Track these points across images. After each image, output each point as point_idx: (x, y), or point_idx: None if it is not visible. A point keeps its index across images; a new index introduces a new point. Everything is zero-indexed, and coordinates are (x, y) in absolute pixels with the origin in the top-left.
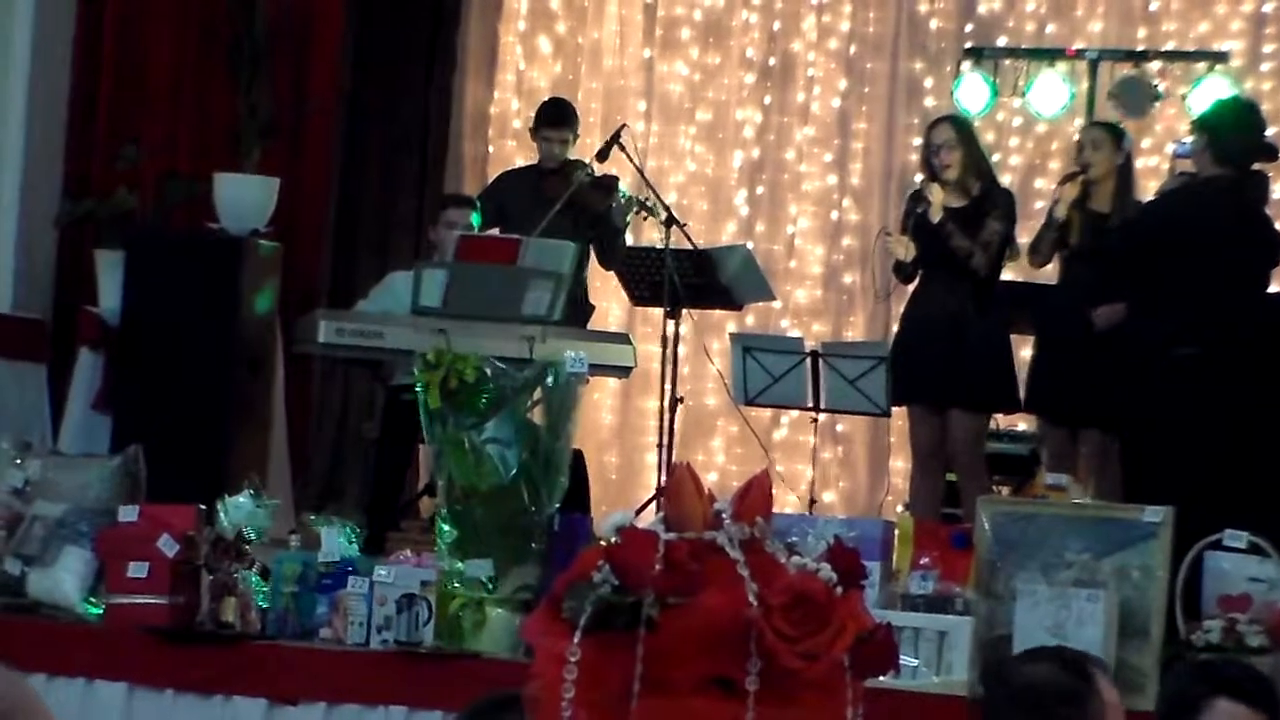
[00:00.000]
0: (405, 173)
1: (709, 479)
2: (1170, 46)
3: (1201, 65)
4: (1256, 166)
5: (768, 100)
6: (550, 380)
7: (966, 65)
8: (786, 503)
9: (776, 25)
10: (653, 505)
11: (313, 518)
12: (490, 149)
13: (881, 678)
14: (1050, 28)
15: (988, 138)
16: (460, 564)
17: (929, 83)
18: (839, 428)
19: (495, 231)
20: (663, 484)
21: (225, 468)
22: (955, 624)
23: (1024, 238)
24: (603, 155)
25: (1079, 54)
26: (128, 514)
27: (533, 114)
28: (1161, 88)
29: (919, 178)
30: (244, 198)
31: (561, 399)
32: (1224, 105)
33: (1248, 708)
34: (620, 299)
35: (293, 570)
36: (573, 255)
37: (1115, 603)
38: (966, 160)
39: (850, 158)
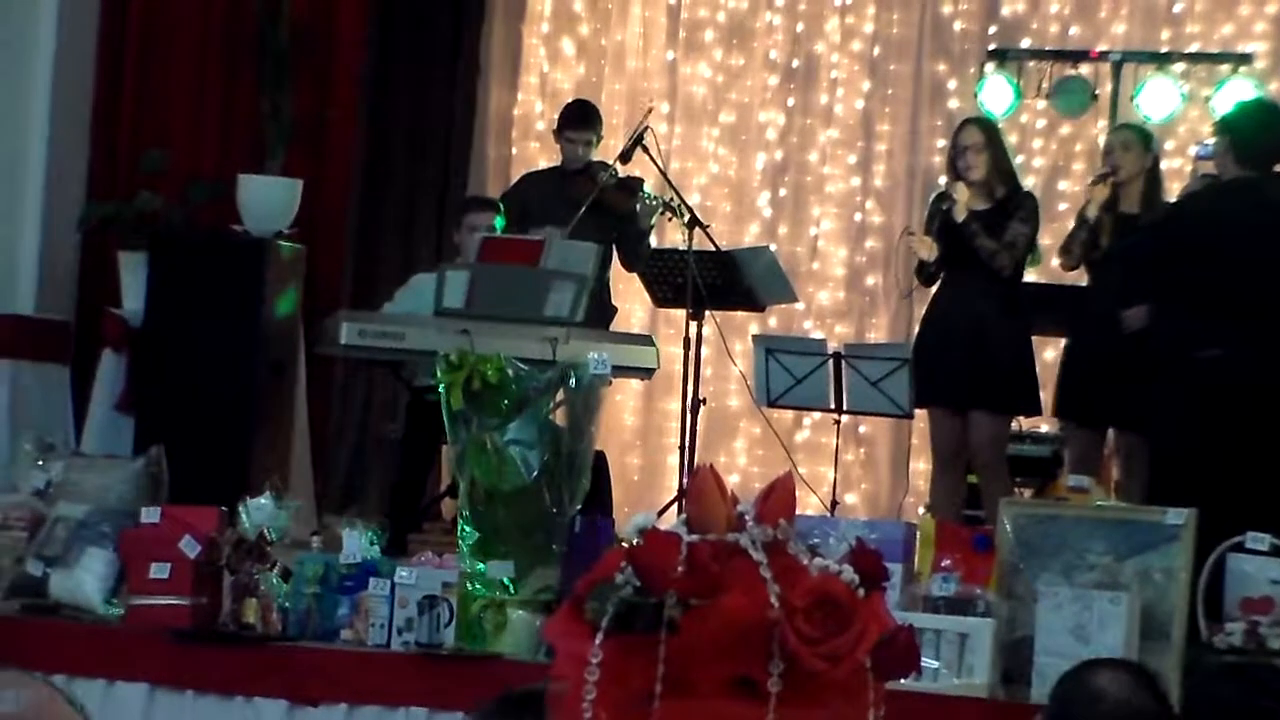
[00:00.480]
0: (428, 174)
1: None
2: (1194, 48)
3: (1225, 67)
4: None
5: (791, 102)
6: (573, 382)
7: (990, 67)
8: (809, 504)
9: (800, 27)
10: (675, 507)
11: (334, 519)
12: (514, 151)
13: (903, 680)
14: (1074, 29)
15: (1011, 139)
16: (482, 565)
17: (952, 84)
18: (861, 429)
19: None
20: (685, 486)
21: (247, 469)
22: (977, 626)
23: (1047, 240)
24: (626, 157)
25: (1102, 56)
26: (150, 515)
27: (556, 116)
28: (1185, 90)
29: (943, 180)
30: (267, 200)
31: (584, 400)
32: (1246, 107)
33: None
34: (643, 300)
35: (314, 571)
36: (596, 257)
37: (1137, 605)
38: (992, 163)
39: (873, 159)
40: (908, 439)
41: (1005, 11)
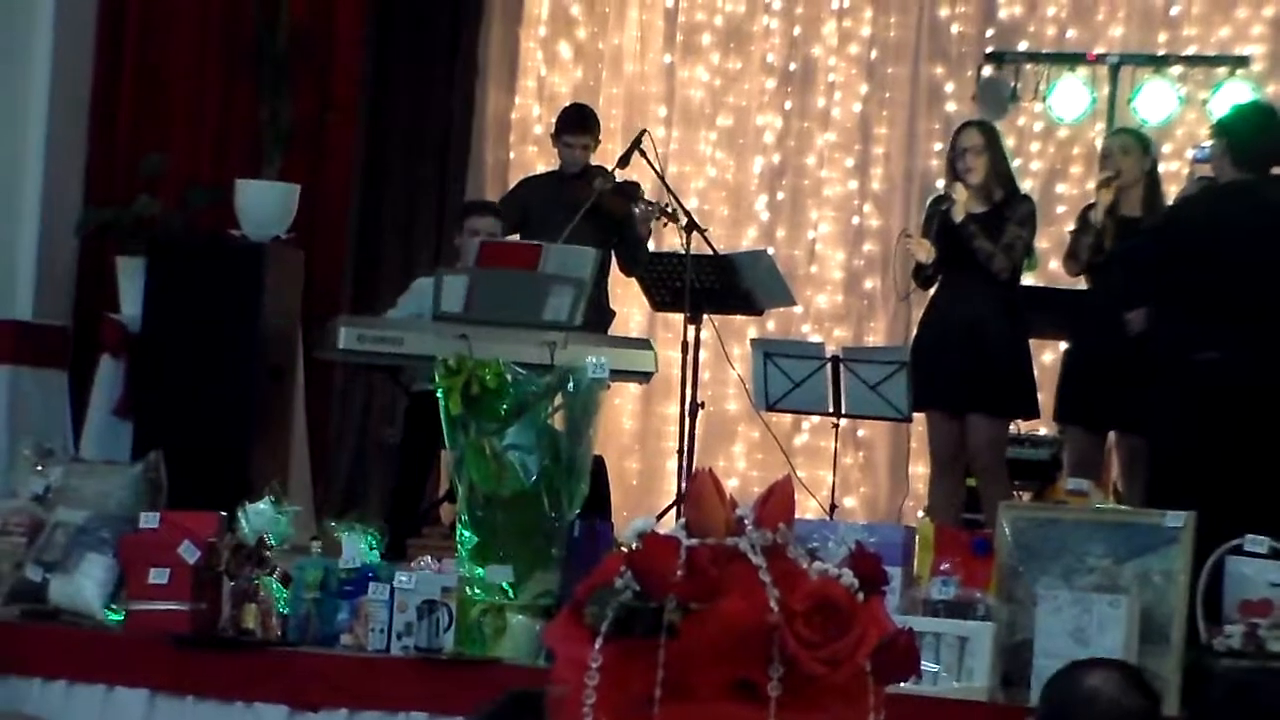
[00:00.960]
0: (426, 179)
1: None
2: (1191, 51)
3: (1222, 70)
4: (1277, 171)
5: (788, 105)
6: (571, 386)
7: (987, 70)
8: (808, 508)
9: (797, 30)
10: (674, 511)
11: (334, 524)
12: (511, 155)
13: (903, 683)
14: (1071, 32)
15: (1008, 142)
16: (481, 570)
17: (950, 88)
18: (860, 433)
19: (516, 237)
20: (684, 490)
21: (246, 474)
22: (976, 629)
23: (1045, 243)
24: (624, 161)
25: (1100, 59)
26: (149, 520)
27: (554, 120)
28: (1182, 93)
29: (941, 183)
30: (265, 204)
31: (582, 404)
32: (1243, 109)
33: None
34: (641, 304)
35: (314, 577)
36: (594, 261)
37: (1136, 608)
38: (990, 166)
39: (871, 163)
40: (907, 442)
41: (1002, 14)
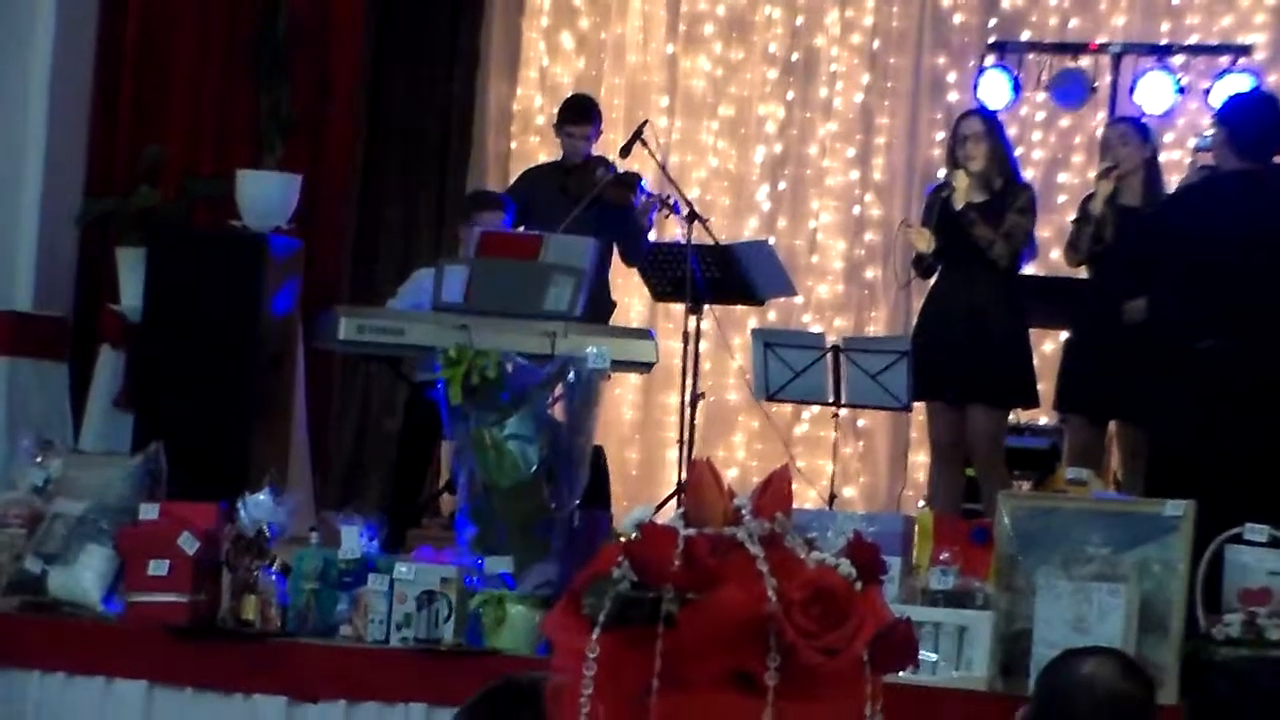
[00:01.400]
0: (427, 169)
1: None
2: (1193, 40)
3: (1225, 59)
4: (1278, 159)
5: (790, 95)
6: (571, 376)
7: (989, 60)
8: (807, 498)
9: (799, 20)
10: (673, 501)
11: (333, 515)
12: (513, 145)
13: (901, 673)
14: (1073, 22)
15: (1010, 132)
16: (481, 560)
17: (952, 77)
18: (860, 423)
19: (520, 228)
20: (683, 480)
21: (246, 465)
22: (975, 619)
23: (1046, 232)
24: (625, 151)
25: (1102, 48)
26: (149, 512)
27: (556, 110)
28: (1184, 81)
29: (943, 172)
30: (266, 195)
31: (583, 395)
32: (1245, 99)
33: None
34: (642, 294)
35: (313, 567)
36: (594, 251)
37: (1136, 597)
38: (992, 154)
39: (873, 153)
40: (907, 432)
41: (1005, 4)
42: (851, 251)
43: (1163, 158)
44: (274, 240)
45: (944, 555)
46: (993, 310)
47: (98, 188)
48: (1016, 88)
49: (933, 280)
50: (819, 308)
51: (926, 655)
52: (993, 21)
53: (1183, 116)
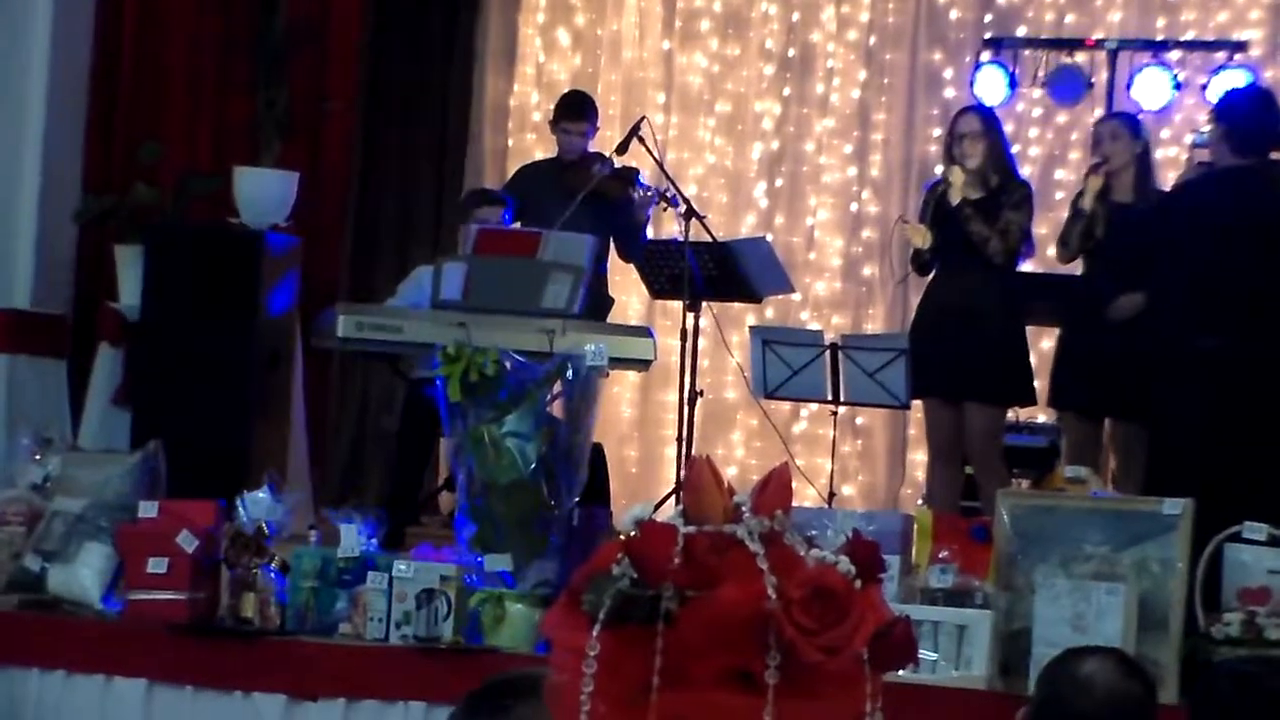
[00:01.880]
0: (424, 166)
1: (729, 472)
2: (1190, 36)
3: (1221, 55)
4: (1275, 155)
5: (787, 92)
6: (570, 374)
7: (986, 56)
8: (806, 496)
9: (795, 17)
10: (672, 499)
11: (332, 512)
12: (510, 142)
13: (901, 671)
14: (1069, 18)
15: (1007, 128)
16: (480, 558)
17: (948, 74)
18: (858, 421)
19: (517, 225)
20: (682, 477)
21: (245, 463)
22: (975, 617)
23: (1043, 229)
24: (622, 148)
25: (1098, 44)
26: (147, 510)
27: (552, 107)
28: (1180, 77)
29: (940, 169)
30: (263, 192)
31: (581, 392)
32: (1242, 95)
33: None
34: (640, 292)
35: (312, 565)
36: (592, 248)
37: (1135, 596)
38: (989, 152)
39: (870, 149)
40: (905, 430)
41: (1000, 0)
42: (849, 249)
43: (1160, 154)
44: (271, 238)
45: (943, 554)
46: (989, 307)
47: (95, 185)
48: (1012, 84)
49: (929, 278)
50: (817, 305)
51: (926, 654)
52: (988, 17)
53: (1179, 112)
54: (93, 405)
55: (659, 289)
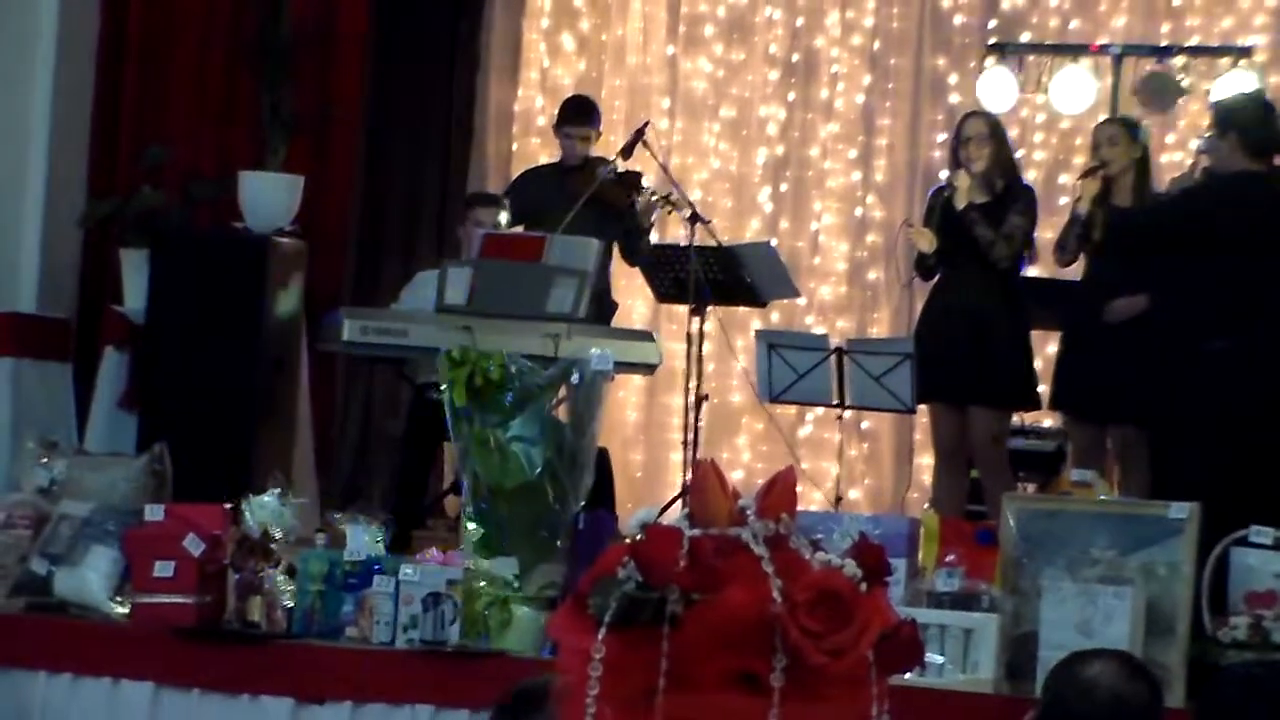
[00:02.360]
0: (429, 170)
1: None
2: (1194, 41)
3: (1225, 60)
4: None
5: (791, 97)
6: (575, 378)
7: (990, 61)
8: (812, 500)
9: (800, 21)
10: (678, 503)
11: (338, 516)
12: (514, 146)
13: (906, 675)
14: (1074, 23)
15: (1011, 134)
16: (486, 562)
17: (953, 79)
18: (864, 424)
19: (520, 229)
20: (687, 481)
21: (251, 466)
22: (981, 621)
23: (1047, 233)
24: (627, 153)
25: (1103, 49)
26: (154, 513)
27: (556, 111)
28: (1185, 83)
29: (944, 174)
30: (268, 196)
31: (586, 396)
32: (1247, 101)
33: None
34: (645, 296)
35: (318, 569)
36: (597, 252)
37: (1141, 599)
38: (995, 156)
39: (874, 154)
40: (911, 434)
41: (1005, 5)
42: (853, 253)
43: (1164, 159)
44: (276, 241)
45: (949, 557)
46: (993, 311)
47: (101, 189)
48: (1017, 89)
49: (934, 282)
50: (821, 309)
51: (933, 658)
52: (993, 23)
53: (1184, 118)
54: (98, 409)
55: (664, 292)
